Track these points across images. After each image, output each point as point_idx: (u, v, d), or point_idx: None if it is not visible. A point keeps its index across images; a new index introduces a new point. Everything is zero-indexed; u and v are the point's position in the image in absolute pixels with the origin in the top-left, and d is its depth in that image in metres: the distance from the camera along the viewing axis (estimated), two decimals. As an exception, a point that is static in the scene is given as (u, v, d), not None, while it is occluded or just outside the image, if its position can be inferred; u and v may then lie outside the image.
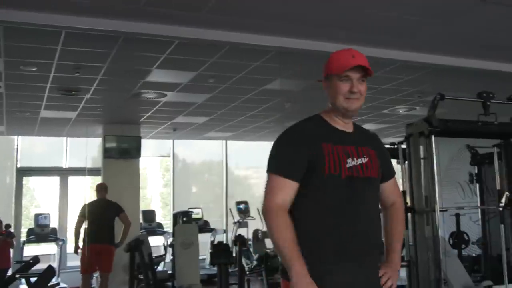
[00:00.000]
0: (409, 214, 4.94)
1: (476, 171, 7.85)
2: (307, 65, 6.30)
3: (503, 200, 5.63)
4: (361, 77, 2.40)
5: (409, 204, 4.95)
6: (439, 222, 4.81)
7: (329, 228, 2.24)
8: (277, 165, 2.32)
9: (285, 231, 2.19)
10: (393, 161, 5.47)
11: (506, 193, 5.65)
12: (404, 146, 5.11)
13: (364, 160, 2.36)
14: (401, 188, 5.04)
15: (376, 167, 2.41)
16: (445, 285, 4.99)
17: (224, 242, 8.27)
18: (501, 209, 5.70)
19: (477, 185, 7.83)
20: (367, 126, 9.69)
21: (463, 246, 8.07)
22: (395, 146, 5.75)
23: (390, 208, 2.61)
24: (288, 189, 2.27)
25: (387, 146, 7.52)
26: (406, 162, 5.13)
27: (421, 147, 4.89)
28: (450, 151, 8.99)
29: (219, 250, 4.34)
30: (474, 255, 8.41)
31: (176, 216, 8.92)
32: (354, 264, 2.27)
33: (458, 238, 8.02)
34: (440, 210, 4.86)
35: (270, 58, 6.00)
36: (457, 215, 8.22)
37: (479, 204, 7.79)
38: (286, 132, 2.43)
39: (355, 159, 2.33)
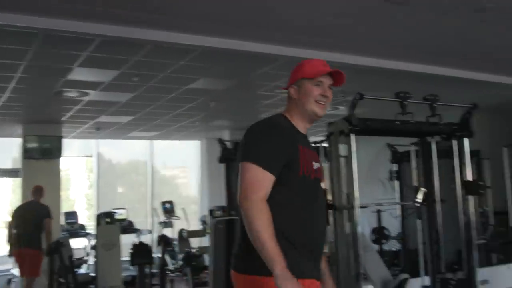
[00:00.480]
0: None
1: (396, 169, 8.09)
2: (230, 64, 6.32)
3: (420, 196, 5.84)
4: (330, 85, 2.52)
5: (330, 201, 5.05)
6: (358, 218, 4.93)
7: (301, 226, 2.31)
8: (259, 155, 2.26)
9: (269, 228, 2.15)
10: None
11: (422, 189, 5.87)
12: (325, 144, 5.20)
13: (318, 164, 2.48)
14: (323, 186, 5.17)
15: (322, 172, 2.53)
16: (364, 280, 5.12)
17: (149, 243, 8.18)
18: (418, 205, 5.92)
19: (397, 182, 8.08)
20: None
21: (384, 241, 8.31)
22: (317, 145, 5.85)
23: None
24: (269, 182, 2.24)
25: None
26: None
27: (342, 146, 5.00)
28: (373, 150, 9.24)
29: (139, 250, 4.27)
30: (394, 249, 8.68)
31: (99, 217, 8.73)
32: (316, 261, 2.39)
33: (379, 234, 8.26)
34: (359, 207, 4.98)
35: (194, 57, 5.98)
36: (378, 212, 8.48)
37: (398, 201, 8.03)
38: (266, 124, 2.41)
39: (315, 162, 2.45)
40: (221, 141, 6.63)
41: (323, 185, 2.55)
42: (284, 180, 2.29)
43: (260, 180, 2.22)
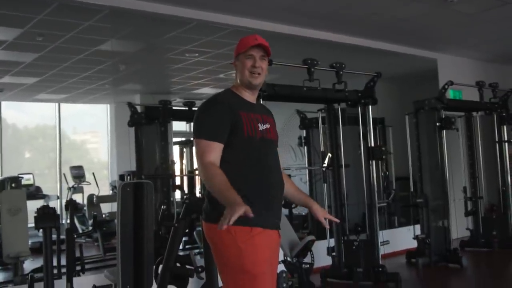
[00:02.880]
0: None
1: (305, 135, 8.30)
2: (140, 27, 6.21)
3: (326, 161, 6.05)
4: (261, 56, 2.81)
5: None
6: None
7: (250, 179, 2.64)
8: (206, 131, 2.63)
9: (221, 177, 2.50)
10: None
11: (329, 154, 6.07)
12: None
13: (267, 126, 2.78)
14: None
15: (274, 132, 2.86)
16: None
17: (58, 208, 7.99)
18: (324, 169, 6.13)
19: (305, 148, 8.30)
20: (204, 91, 9.82)
21: (293, 205, 8.52)
22: (227, 110, 5.90)
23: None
24: (216, 149, 2.61)
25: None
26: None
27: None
28: (284, 116, 9.40)
29: (43, 213, 4.20)
30: (304, 213, 8.93)
31: (3, 182, 8.43)
32: (268, 211, 2.67)
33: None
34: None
35: (102, 18, 5.82)
36: (289, 176, 8.66)
37: (307, 166, 8.27)
38: (209, 102, 2.77)
39: (262, 124, 2.74)
40: (130, 105, 6.54)
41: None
42: (232, 143, 2.64)
43: (208, 149, 2.58)
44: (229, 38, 6.93)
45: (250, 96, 2.85)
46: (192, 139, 3.01)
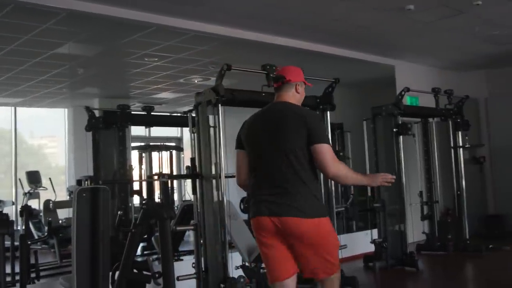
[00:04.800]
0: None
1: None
2: (98, 30, 6.15)
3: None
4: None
5: (197, 170, 5.12)
6: (226, 187, 5.05)
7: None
8: (328, 140, 3.27)
9: (346, 167, 3.31)
10: (187, 129, 5.61)
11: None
12: (194, 114, 5.24)
13: None
14: (190, 155, 5.23)
15: None
16: (231, 247, 5.27)
17: (13, 214, 7.82)
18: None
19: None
20: (164, 95, 9.79)
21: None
22: (186, 115, 5.86)
23: None
24: None
25: (179, 115, 7.66)
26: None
27: (210, 116, 5.07)
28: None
29: (-5, 220, 4.12)
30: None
31: (-45, 188, 8.22)
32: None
33: (248, 203, 8.46)
34: (227, 176, 5.10)
35: (59, 21, 5.74)
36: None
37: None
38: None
39: None
40: (88, 109, 6.47)
41: None
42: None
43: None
44: (189, 43, 6.92)
45: None
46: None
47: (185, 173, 6.07)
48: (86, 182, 6.74)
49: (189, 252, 6.73)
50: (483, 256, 7.66)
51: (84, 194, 3.62)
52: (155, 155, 9.59)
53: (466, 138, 8.32)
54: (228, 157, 5.11)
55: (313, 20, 6.87)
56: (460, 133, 8.22)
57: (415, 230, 8.29)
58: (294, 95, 3.45)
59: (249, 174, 3.40)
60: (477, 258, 7.59)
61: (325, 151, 3.14)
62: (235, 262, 5.42)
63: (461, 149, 8.25)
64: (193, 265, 5.05)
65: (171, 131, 11.24)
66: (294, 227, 3.13)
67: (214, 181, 5.03)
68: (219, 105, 4.93)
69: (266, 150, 3.29)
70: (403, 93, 7.29)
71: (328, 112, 6.02)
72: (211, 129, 5.09)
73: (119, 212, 5.81)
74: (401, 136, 7.15)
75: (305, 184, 3.17)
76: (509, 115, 10.08)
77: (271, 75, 5.22)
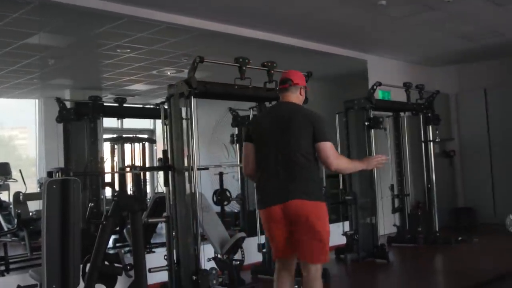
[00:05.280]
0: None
1: (237, 132, 8.34)
2: (69, 20, 6.08)
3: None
4: None
5: (170, 162, 5.11)
6: (198, 180, 5.05)
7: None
8: (330, 137, 3.68)
9: (347, 161, 4.00)
10: (159, 121, 5.59)
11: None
12: (166, 106, 5.22)
13: None
14: (163, 148, 5.21)
15: None
16: (203, 240, 5.27)
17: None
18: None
19: (237, 145, 8.34)
20: (136, 87, 9.72)
21: (226, 202, 8.55)
22: (159, 107, 5.84)
23: None
24: None
25: (152, 107, 7.63)
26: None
27: (182, 108, 5.06)
28: (218, 114, 9.41)
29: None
30: (236, 211, 8.98)
31: None
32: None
33: (221, 195, 8.47)
34: (199, 169, 5.10)
35: (31, 10, 5.66)
36: (221, 174, 8.68)
37: (238, 163, 8.30)
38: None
39: None
40: (59, 101, 6.40)
41: None
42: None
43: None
44: (162, 35, 6.88)
45: None
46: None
47: (157, 165, 6.03)
48: (57, 174, 6.67)
49: (161, 245, 6.72)
50: (453, 248, 7.80)
51: (54, 186, 3.59)
52: (127, 147, 9.54)
53: (437, 132, 8.43)
54: (200, 150, 5.12)
55: (286, 14, 6.89)
56: (430, 127, 8.32)
57: (386, 223, 8.39)
58: (298, 97, 3.86)
59: (257, 167, 3.76)
60: (446, 250, 7.71)
61: (328, 148, 3.60)
62: (207, 254, 5.44)
63: (431, 143, 8.36)
64: (165, 257, 5.05)
65: (144, 123, 11.17)
66: (297, 209, 3.57)
67: (186, 173, 5.03)
68: (192, 97, 4.92)
69: (274, 146, 3.67)
70: (375, 87, 7.35)
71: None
72: (184, 121, 5.08)
73: (90, 204, 5.77)
74: (372, 130, 7.22)
75: (310, 174, 3.63)
76: (479, 110, 10.26)
77: (243, 68, 5.26)
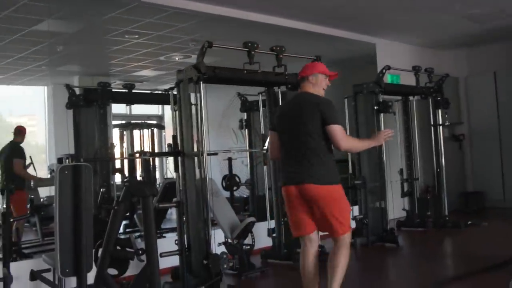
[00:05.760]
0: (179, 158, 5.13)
1: (246, 118, 8.34)
2: (77, 6, 6.08)
3: (267, 143, 6.08)
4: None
5: (179, 148, 5.13)
6: (208, 165, 5.06)
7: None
8: (339, 120, 3.93)
9: (356, 140, 4.62)
10: (168, 107, 5.60)
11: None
12: (175, 92, 5.22)
13: None
14: (172, 133, 5.23)
15: None
16: (213, 224, 5.30)
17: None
18: (264, 151, 6.17)
19: (246, 131, 8.35)
20: (144, 73, 9.72)
21: (235, 188, 8.58)
22: (168, 93, 5.84)
23: None
24: None
25: (160, 92, 7.63)
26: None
27: (191, 93, 5.06)
28: (226, 99, 9.40)
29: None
30: (245, 196, 9.00)
31: None
32: None
33: (230, 181, 8.49)
34: (209, 154, 5.11)
35: (38, -4, 5.67)
36: (229, 159, 8.69)
37: (247, 148, 8.32)
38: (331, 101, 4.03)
39: None
40: (68, 87, 6.41)
41: None
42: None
43: (344, 131, 3.96)
44: (170, 20, 6.87)
45: None
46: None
47: (167, 151, 6.06)
48: (67, 161, 6.71)
49: (172, 230, 6.75)
50: (462, 232, 7.79)
51: (66, 172, 3.59)
52: (136, 133, 9.56)
53: (446, 116, 8.39)
54: (209, 135, 5.13)
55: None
56: (440, 111, 8.28)
57: (395, 207, 8.39)
58: (313, 86, 4.11)
59: (280, 150, 4.17)
60: (456, 234, 7.71)
61: (336, 130, 3.86)
62: (217, 239, 5.47)
63: (440, 127, 8.32)
64: (176, 242, 5.08)
65: (152, 109, 11.18)
66: (311, 192, 3.90)
67: (196, 158, 5.04)
68: (201, 82, 4.92)
69: (290, 132, 4.04)
70: (384, 71, 7.32)
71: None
72: (193, 107, 5.08)
73: (101, 190, 5.81)
74: (382, 114, 7.20)
75: (320, 158, 3.92)
76: (488, 93, 10.19)
77: (252, 52, 5.26)
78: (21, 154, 7.25)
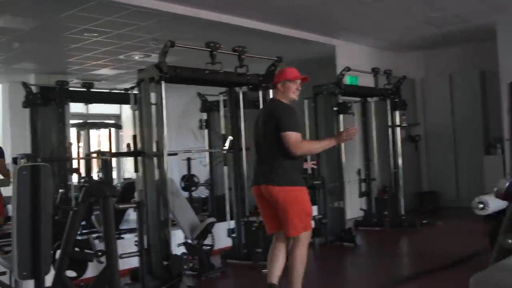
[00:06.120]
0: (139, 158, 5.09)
1: (206, 118, 8.32)
2: (35, 3, 5.95)
3: (227, 143, 6.10)
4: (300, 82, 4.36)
5: (139, 148, 5.08)
6: (167, 165, 5.03)
7: (300, 159, 4.34)
8: (293, 126, 4.07)
9: (312, 144, 4.70)
10: (126, 107, 5.53)
11: (230, 137, 6.13)
12: (136, 91, 5.17)
13: None
14: (132, 133, 5.18)
15: None
16: (173, 225, 5.27)
17: None
18: (225, 152, 6.18)
19: (206, 131, 8.32)
20: (103, 72, 9.59)
21: (193, 188, 8.55)
22: (128, 92, 5.79)
23: None
24: (301, 137, 4.13)
25: (120, 91, 7.54)
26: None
27: (152, 93, 5.03)
28: (185, 99, 9.35)
29: None
30: (203, 196, 8.98)
31: None
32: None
33: (189, 181, 8.47)
34: (168, 154, 5.08)
35: (-5, -7, 5.54)
36: (188, 159, 8.67)
37: (207, 148, 8.29)
38: (290, 107, 4.25)
39: None
40: (25, 85, 6.28)
41: None
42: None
43: (298, 137, 4.08)
44: (130, 18, 6.79)
45: None
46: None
47: (127, 151, 6.00)
48: (22, 161, 6.55)
49: (130, 231, 6.69)
50: (418, 231, 7.96)
51: (24, 172, 3.52)
52: (93, 132, 9.43)
53: (404, 117, 8.54)
54: (169, 134, 5.10)
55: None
56: (397, 112, 8.42)
57: (353, 207, 8.49)
58: (278, 92, 4.32)
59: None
60: (412, 233, 7.87)
61: (288, 137, 4.03)
62: (177, 239, 5.44)
63: (398, 128, 8.47)
64: (135, 243, 5.04)
65: (110, 109, 11.05)
66: (270, 193, 4.13)
67: (155, 158, 5.01)
68: (162, 82, 4.89)
69: (257, 136, 4.33)
70: (344, 72, 7.41)
71: (271, 91, 6.05)
72: (153, 106, 5.05)
73: (60, 191, 5.71)
74: (341, 115, 7.28)
75: (278, 161, 4.13)
76: (444, 95, 10.42)
77: (214, 52, 5.25)
78: (2, 153, 7.01)
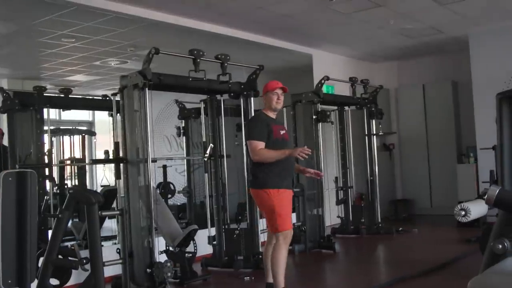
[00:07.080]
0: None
1: (183, 125, 8.28)
2: (10, 6, 5.87)
3: (208, 151, 6.09)
4: (281, 92, 4.73)
5: (121, 155, 5.04)
6: (150, 172, 5.00)
7: (275, 163, 4.51)
8: (255, 135, 4.54)
9: (268, 152, 4.51)
10: (99, 113, 5.45)
11: (211, 144, 6.12)
12: (118, 98, 5.14)
13: (284, 131, 4.74)
14: (113, 140, 5.14)
15: (288, 135, 4.92)
16: (156, 231, 5.23)
17: None
18: (206, 159, 6.17)
19: (184, 138, 8.29)
20: (78, 78, 9.46)
21: (170, 196, 8.49)
22: (108, 98, 5.75)
23: None
24: (261, 145, 4.52)
25: (98, 98, 7.47)
26: (119, 114, 5.20)
27: (135, 100, 4.99)
28: (159, 106, 9.29)
29: None
30: (179, 204, 8.92)
31: None
32: (288, 182, 4.67)
33: (165, 189, 8.41)
34: (152, 161, 5.04)
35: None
36: (164, 167, 8.60)
37: (185, 156, 8.26)
38: (257, 116, 4.84)
39: (281, 131, 4.68)
40: (3, 90, 6.16)
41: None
42: (268, 141, 4.54)
43: (259, 145, 4.51)
44: (109, 24, 6.75)
45: (274, 115, 4.76)
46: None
47: (105, 158, 5.94)
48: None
49: (109, 238, 6.61)
50: (394, 238, 8.05)
51: (10, 178, 3.47)
52: (66, 139, 9.29)
53: (380, 126, 8.64)
54: (154, 141, 5.07)
55: (233, 7, 6.90)
56: (373, 121, 8.53)
57: (331, 215, 8.54)
58: (265, 104, 4.78)
59: None
60: (388, 240, 7.95)
61: (249, 144, 4.59)
62: (160, 247, 5.40)
63: (374, 136, 8.57)
64: (118, 250, 4.99)
65: (83, 115, 10.92)
66: (251, 194, 4.74)
67: (140, 165, 4.98)
68: (146, 89, 4.87)
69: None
70: (323, 81, 7.46)
71: (252, 98, 6.08)
72: (137, 113, 5.02)
73: (45, 197, 5.63)
74: (320, 123, 7.33)
75: (252, 166, 4.70)
76: (417, 104, 10.59)
77: (198, 60, 5.25)
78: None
